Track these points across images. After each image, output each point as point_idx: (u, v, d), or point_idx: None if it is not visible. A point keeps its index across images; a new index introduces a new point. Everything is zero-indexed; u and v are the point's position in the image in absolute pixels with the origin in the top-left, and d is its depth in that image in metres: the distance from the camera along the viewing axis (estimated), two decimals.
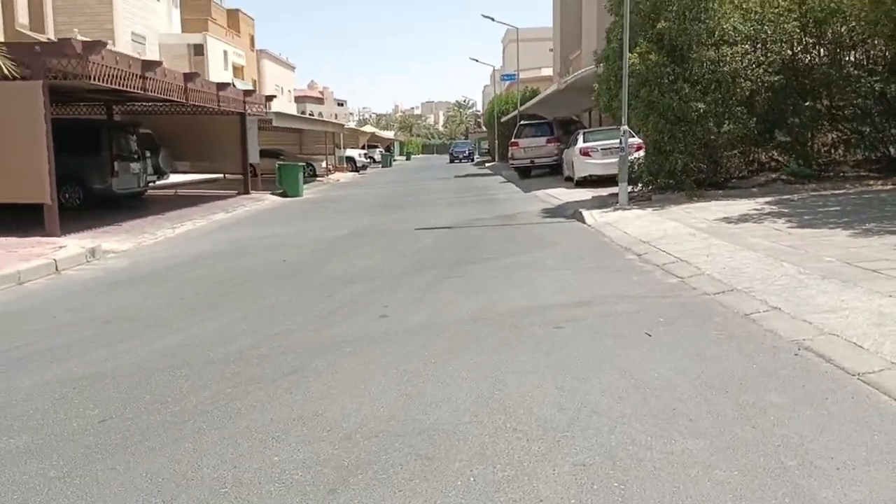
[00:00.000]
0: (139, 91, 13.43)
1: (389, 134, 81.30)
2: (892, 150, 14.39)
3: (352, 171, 41.80)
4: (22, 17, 30.32)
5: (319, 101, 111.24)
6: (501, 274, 7.96)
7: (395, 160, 69.73)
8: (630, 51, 12.94)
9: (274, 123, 23.56)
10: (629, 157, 14.99)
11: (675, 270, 7.61)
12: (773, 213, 10.79)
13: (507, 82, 46.18)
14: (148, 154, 20.23)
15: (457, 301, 6.66)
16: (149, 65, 13.66)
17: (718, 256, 7.95)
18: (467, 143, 70.45)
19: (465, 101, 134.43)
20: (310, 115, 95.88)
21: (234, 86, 23.26)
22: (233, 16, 61.14)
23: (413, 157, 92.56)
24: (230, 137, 22.84)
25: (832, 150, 15.25)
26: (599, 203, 14.14)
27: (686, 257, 8.12)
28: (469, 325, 5.74)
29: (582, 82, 20.03)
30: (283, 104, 70.02)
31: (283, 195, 22.76)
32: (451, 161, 62.78)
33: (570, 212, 13.87)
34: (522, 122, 27.80)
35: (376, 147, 60.86)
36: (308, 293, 7.39)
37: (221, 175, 26.75)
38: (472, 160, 61.64)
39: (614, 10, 13.75)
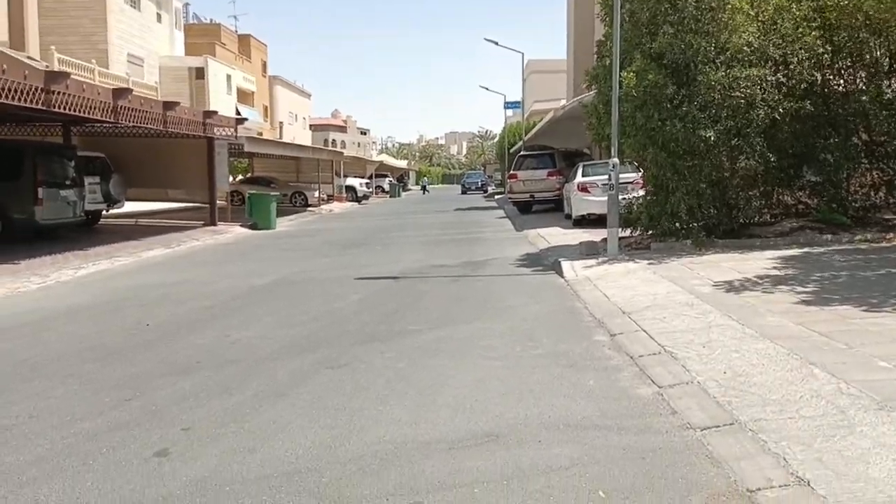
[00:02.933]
0: (41, 107, 11.34)
1: (402, 163, 79.56)
2: None
3: (351, 200, 39.71)
4: (0, 33, 28.86)
5: (342, 129, 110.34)
6: (407, 364, 5.57)
7: (408, 190, 67.74)
8: (625, 68, 10.63)
9: (246, 149, 21.52)
10: (629, 196, 12.65)
11: (653, 371, 5.18)
12: (799, 275, 8.30)
13: (513, 111, 43.95)
14: (97, 180, 18.25)
15: (298, 423, 4.28)
16: (55, 77, 11.60)
17: (720, 348, 5.50)
18: (480, 175, 68.56)
19: (485, 133, 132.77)
20: (332, 143, 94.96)
21: (225, 111, 21.44)
22: (244, 41, 60.11)
23: (431, 187, 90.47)
24: (198, 163, 20.82)
25: (871, 193, 12.70)
26: (588, 249, 11.72)
27: (674, 345, 5.68)
28: (266, 493, 3.35)
29: (582, 110, 17.70)
30: (298, 131, 68.82)
31: (254, 227, 20.61)
32: (463, 192, 60.76)
33: (552, 259, 11.47)
34: (522, 153, 25.45)
35: (385, 176, 58.96)
36: (107, 392, 5.05)
37: (206, 203, 24.29)
38: (486, 191, 59.48)
39: (606, 19, 11.45)
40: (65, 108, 11.89)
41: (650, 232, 11.72)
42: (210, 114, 18.49)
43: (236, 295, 9.13)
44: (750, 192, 12.19)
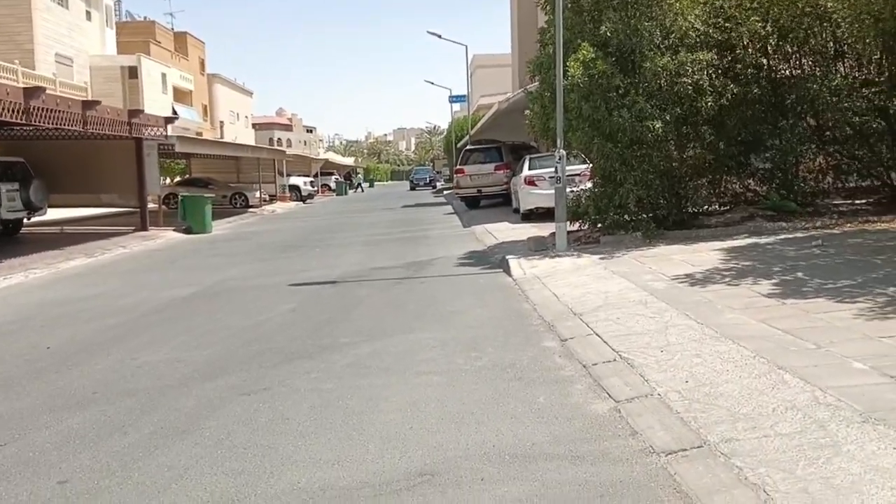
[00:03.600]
0: None
1: (349, 160, 78.46)
2: (894, 176, 11.71)
3: (296, 200, 38.62)
4: None
5: (287, 128, 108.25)
6: (335, 385, 4.94)
7: (354, 188, 66.69)
8: (569, 56, 10.15)
9: (177, 149, 20.45)
10: (577, 189, 12.22)
11: (608, 381, 4.66)
12: (754, 266, 7.93)
13: (460, 105, 43.32)
14: (15, 187, 17.03)
15: (198, 468, 3.62)
16: None
17: (680, 352, 5.02)
18: (427, 170, 68.18)
19: (434, 128, 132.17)
20: (277, 142, 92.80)
21: (160, 111, 20.16)
22: (180, 39, 58.18)
23: (379, 184, 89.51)
24: (127, 166, 19.70)
25: (819, 178, 12.52)
26: (537, 245, 11.23)
27: (630, 351, 5.18)
28: None
29: (528, 97, 17.24)
30: (240, 130, 67.11)
31: (188, 231, 19.59)
32: (412, 188, 60.16)
33: (499, 257, 10.95)
34: (469, 147, 24.93)
35: (332, 174, 57.89)
36: None
37: (136, 208, 22.73)
38: (434, 187, 58.90)
39: (547, 7, 10.93)
40: None
41: (599, 225, 11.30)
42: (136, 113, 17.40)
43: (153, 309, 8.32)
44: (698, 181, 11.89)
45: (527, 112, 11.93)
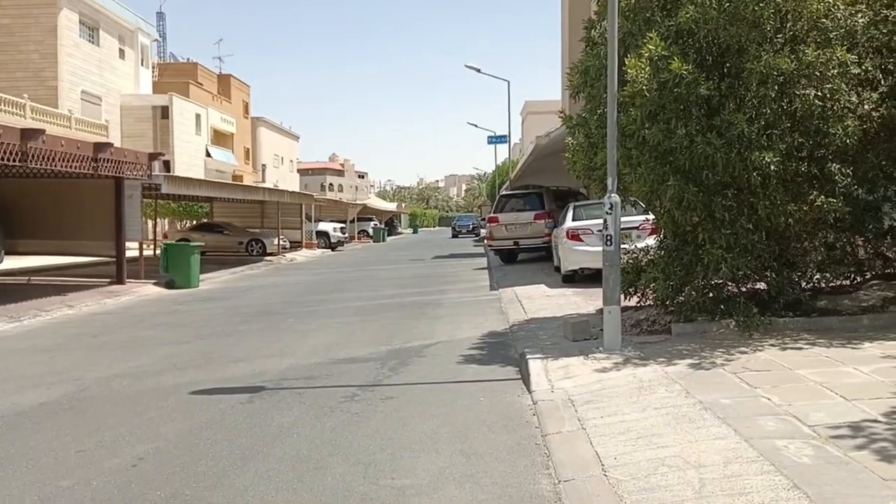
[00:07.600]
0: None
1: (390, 205, 76.05)
2: None
3: (324, 247, 35.71)
4: None
5: (340, 173, 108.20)
6: None
7: (396, 234, 63.94)
8: (630, 55, 6.77)
9: (164, 190, 17.56)
10: (634, 246, 8.76)
11: None
12: None
13: (496, 145, 39.81)
14: None
15: None
16: None
17: None
18: (471, 217, 65.34)
19: (483, 175, 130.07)
20: (329, 186, 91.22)
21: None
22: (224, 81, 57.16)
23: (423, 230, 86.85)
24: (107, 209, 16.97)
25: None
26: (576, 332, 7.69)
27: None
28: None
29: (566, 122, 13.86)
30: (284, 174, 65.63)
31: (170, 285, 16.64)
32: (454, 235, 57.28)
33: (522, 348, 7.46)
34: (504, 193, 21.59)
35: (370, 220, 55.32)
36: None
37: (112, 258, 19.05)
38: (477, 234, 55.81)
39: None
40: None
41: (670, 306, 7.73)
42: (103, 147, 14.54)
43: None
44: (809, 243, 8.23)
45: (568, 140, 8.52)
